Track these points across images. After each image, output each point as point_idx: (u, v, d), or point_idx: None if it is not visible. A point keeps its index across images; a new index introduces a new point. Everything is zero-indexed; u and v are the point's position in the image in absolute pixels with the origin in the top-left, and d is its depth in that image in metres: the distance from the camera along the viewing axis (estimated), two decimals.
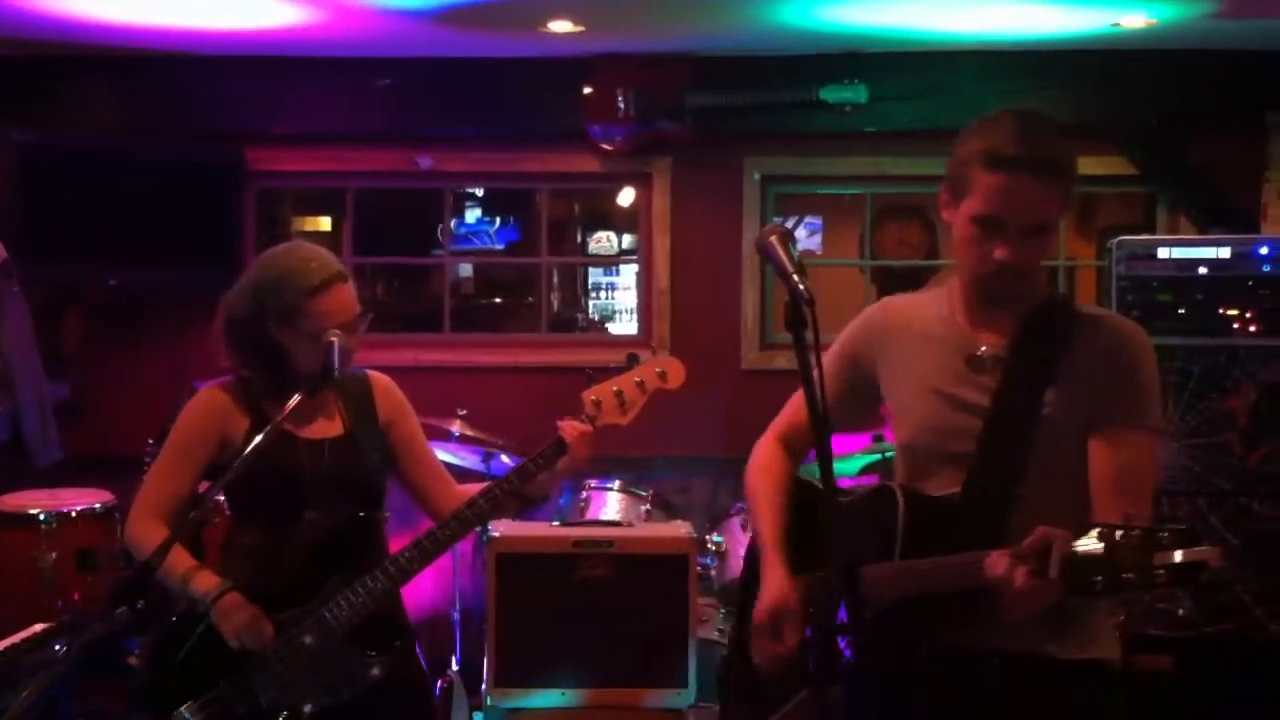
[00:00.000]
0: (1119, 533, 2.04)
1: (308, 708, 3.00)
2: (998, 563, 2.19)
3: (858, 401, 2.75)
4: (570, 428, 3.12)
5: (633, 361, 3.22)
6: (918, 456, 2.58)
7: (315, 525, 3.07)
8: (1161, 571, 1.99)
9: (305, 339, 3.05)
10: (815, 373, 2.22)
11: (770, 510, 2.71)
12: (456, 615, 5.02)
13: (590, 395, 3.15)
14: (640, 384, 3.17)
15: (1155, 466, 2.46)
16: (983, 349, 2.51)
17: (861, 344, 2.71)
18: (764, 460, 2.81)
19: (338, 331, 3.04)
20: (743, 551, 4.79)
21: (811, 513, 2.69)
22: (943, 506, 2.46)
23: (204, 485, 3.22)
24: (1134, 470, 2.40)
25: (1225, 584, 2.08)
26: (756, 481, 2.79)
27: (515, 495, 3.15)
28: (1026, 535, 2.32)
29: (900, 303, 2.75)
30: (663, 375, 3.19)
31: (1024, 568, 2.14)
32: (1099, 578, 2.04)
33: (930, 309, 2.63)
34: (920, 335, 2.60)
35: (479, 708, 4.71)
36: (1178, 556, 1.98)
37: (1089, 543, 2.07)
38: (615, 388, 3.16)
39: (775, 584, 2.57)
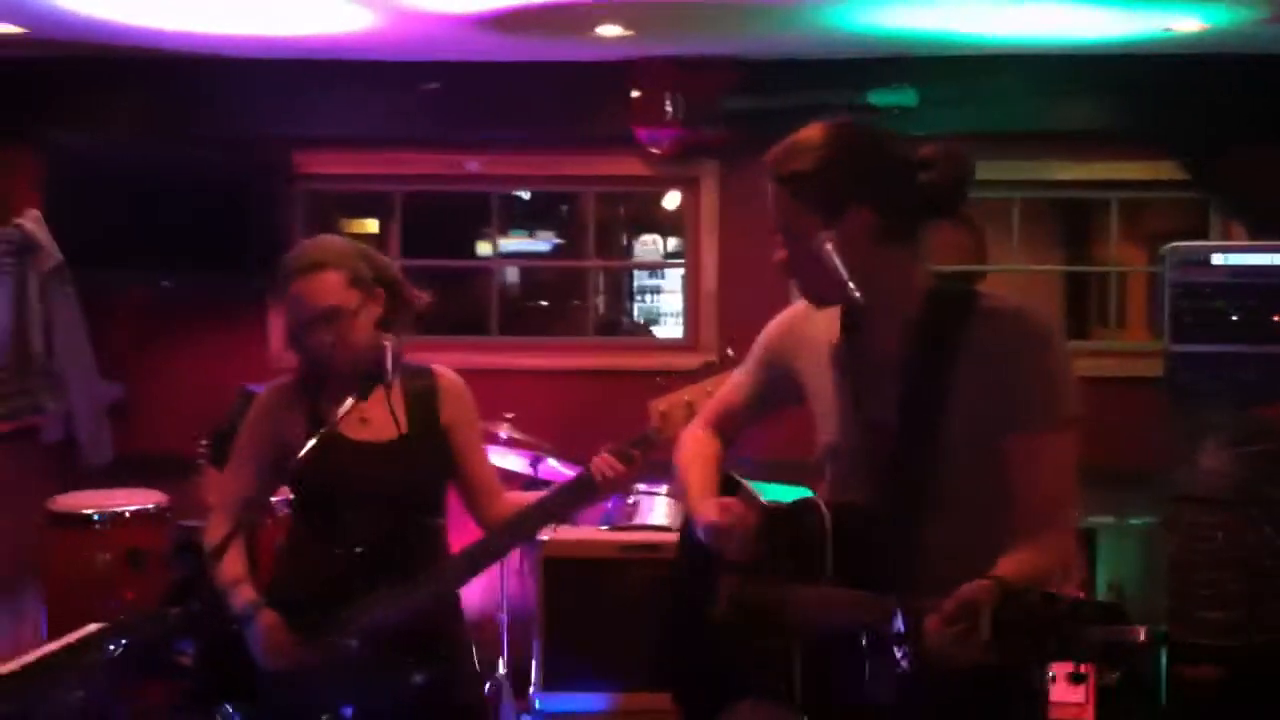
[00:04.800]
0: (1047, 600, 2.00)
1: (347, 710, 3.00)
2: (929, 631, 2.11)
3: (774, 402, 2.75)
4: (602, 467, 3.02)
5: (707, 370, 3.06)
6: (835, 463, 2.54)
7: (364, 528, 3.06)
8: (1089, 646, 1.96)
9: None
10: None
11: (704, 477, 2.70)
12: (504, 618, 5.03)
13: (659, 406, 3.02)
14: (712, 396, 3.01)
15: (1073, 461, 2.34)
16: (879, 356, 2.44)
17: (783, 343, 2.68)
18: (694, 443, 2.80)
19: (391, 336, 3.06)
20: None
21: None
22: (865, 517, 2.39)
23: None
24: (1050, 475, 2.33)
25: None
26: (690, 457, 2.77)
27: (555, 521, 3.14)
28: (945, 548, 2.31)
29: (804, 309, 2.67)
30: None
31: (956, 631, 2.07)
32: (1028, 643, 1.99)
33: (825, 318, 2.57)
34: (828, 342, 2.54)
35: (526, 710, 4.72)
36: (1107, 634, 1.95)
37: (1016, 605, 2.01)
38: (686, 399, 3.01)
39: (713, 500, 2.57)
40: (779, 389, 2.70)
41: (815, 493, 2.56)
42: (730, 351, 3.04)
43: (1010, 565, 2.21)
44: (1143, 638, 1.96)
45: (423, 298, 3.23)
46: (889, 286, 2.42)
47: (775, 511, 2.63)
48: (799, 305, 2.67)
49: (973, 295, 2.44)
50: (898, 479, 2.38)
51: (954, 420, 2.36)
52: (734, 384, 2.81)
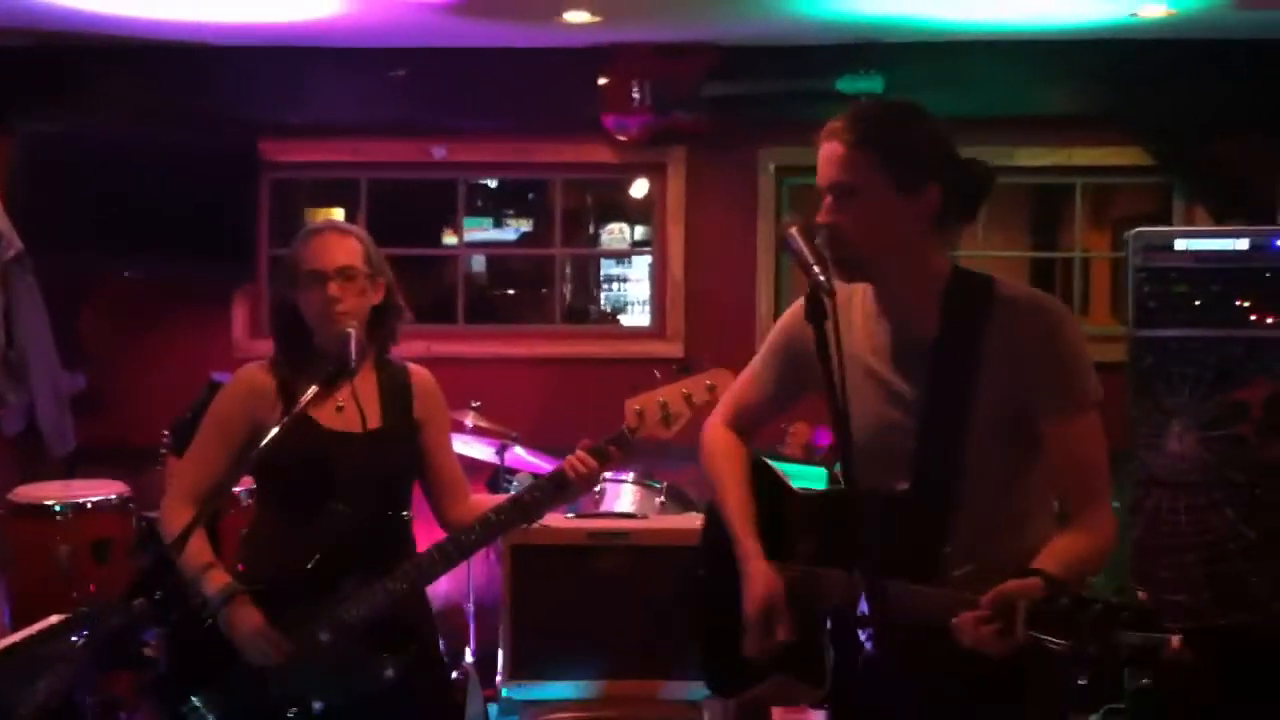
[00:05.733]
0: (1081, 603, 2.04)
1: (317, 705, 2.99)
2: (965, 627, 2.18)
3: (794, 392, 2.77)
4: (576, 464, 3.01)
5: (682, 372, 3.06)
6: (862, 451, 2.50)
7: (337, 519, 3.04)
8: (1123, 649, 2.00)
9: (309, 296, 3.07)
10: (837, 366, 2.22)
11: (739, 496, 2.71)
12: (471, 606, 5.02)
13: (634, 405, 3.00)
14: (688, 397, 2.99)
15: (1103, 435, 2.44)
16: (908, 342, 2.50)
17: (799, 333, 2.64)
18: (722, 444, 2.81)
19: (355, 324, 3.04)
20: None
21: (769, 498, 2.71)
22: (893, 504, 2.43)
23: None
24: (1088, 454, 2.42)
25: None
26: (720, 467, 2.78)
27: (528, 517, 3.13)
28: (972, 530, 2.39)
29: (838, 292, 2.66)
30: (712, 389, 3.00)
31: (992, 629, 2.14)
32: (1061, 642, 2.05)
33: (863, 300, 2.60)
34: (854, 327, 2.57)
35: (494, 699, 4.72)
36: (1140, 640, 1.99)
37: (1053, 603, 2.07)
38: (661, 399, 2.98)
39: (762, 576, 2.56)
40: (798, 379, 2.72)
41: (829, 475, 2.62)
42: (704, 355, 3.06)
43: (1057, 554, 2.30)
44: (1176, 645, 1.99)
45: (407, 313, 3.25)
46: (927, 273, 2.49)
47: (808, 499, 2.68)
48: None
49: (989, 283, 2.50)
50: (928, 464, 2.43)
51: (981, 405, 2.42)
52: (752, 376, 2.82)
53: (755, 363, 2.81)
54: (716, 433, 2.83)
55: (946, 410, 2.43)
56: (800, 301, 2.72)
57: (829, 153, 2.45)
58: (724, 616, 2.64)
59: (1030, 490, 2.47)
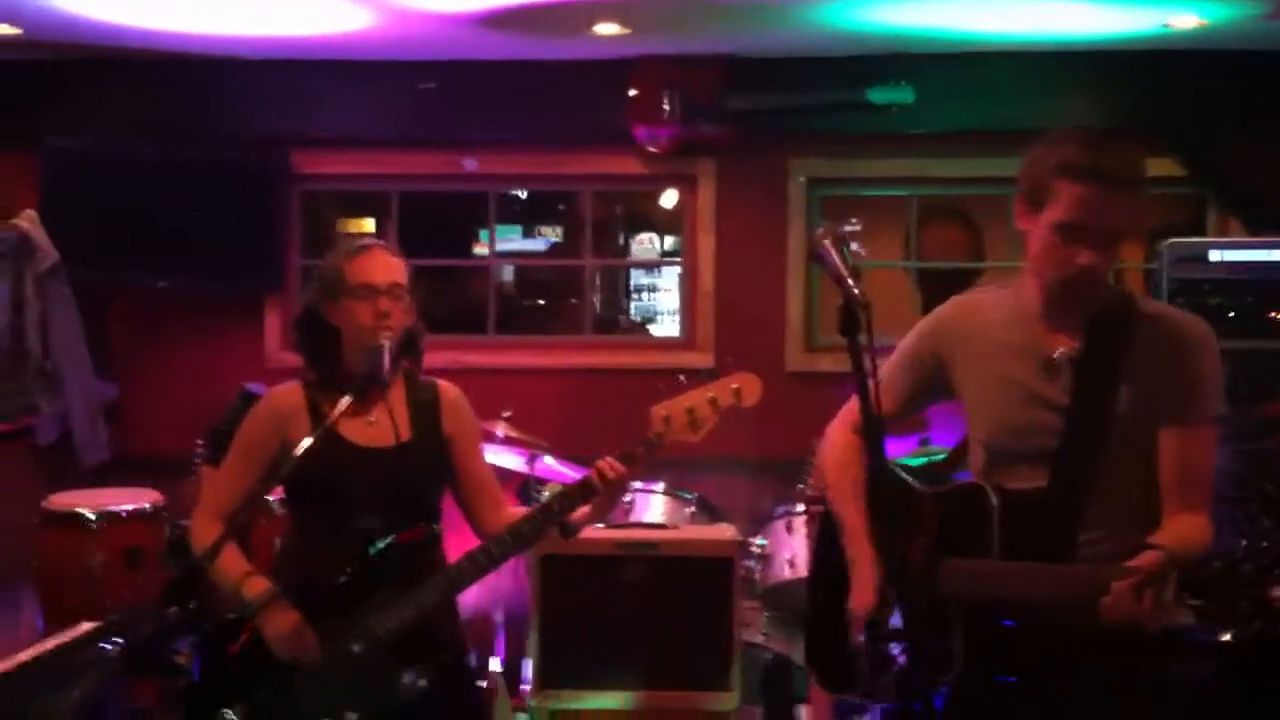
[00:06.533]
0: (1230, 565, 2.12)
1: (351, 716, 2.99)
2: (1122, 596, 2.27)
3: (925, 398, 2.86)
4: (604, 469, 3.00)
5: (708, 376, 3.04)
6: (997, 452, 2.66)
7: (365, 533, 3.05)
8: (1273, 605, 2.07)
9: (352, 312, 3.09)
10: (870, 378, 2.23)
11: (855, 501, 2.77)
12: (499, 616, 5.02)
13: (660, 411, 2.99)
14: (713, 401, 2.98)
15: (1215, 454, 2.59)
16: (1057, 352, 2.59)
17: (934, 342, 2.79)
18: (842, 450, 2.87)
19: (389, 335, 3.06)
20: (786, 555, 4.80)
21: (888, 495, 2.74)
22: (1031, 501, 2.55)
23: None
24: (1198, 463, 2.55)
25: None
26: (839, 473, 2.85)
27: (558, 523, 3.12)
28: (1101, 526, 2.52)
29: (970, 302, 2.82)
30: (738, 393, 2.99)
31: (1150, 594, 2.24)
32: (1215, 601, 2.12)
33: (1000, 311, 2.71)
34: (994, 336, 2.68)
35: (522, 709, 4.72)
36: None
37: (1201, 571, 2.16)
38: (687, 404, 2.98)
39: (869, 579, 2.65)
40: (928, 385, 2.82)
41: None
42: (730, 359, 3.07)
43: (1173, 533, 2.46)
44: None
45: (424, 331, 3.30)
46: (1098, 289, 2.60)
47: (940, 494, 2.74)
48: (954, 302, 2.82)
49: (1130, 299, 2.65)
50: (1068, 463, 2.55)
51: (1120, 413, 2.53)
52: (883, 380, 2.83)
53: (888, 365, 2.85)
54: (839, 436, 2.90)
55: (1088, 415, 2.54)
56: (942, 309, 2.85)
57: (1092, 197, 2.48)
58: (832, 614, 2.73)
59: (1156, 496, 2.57)
